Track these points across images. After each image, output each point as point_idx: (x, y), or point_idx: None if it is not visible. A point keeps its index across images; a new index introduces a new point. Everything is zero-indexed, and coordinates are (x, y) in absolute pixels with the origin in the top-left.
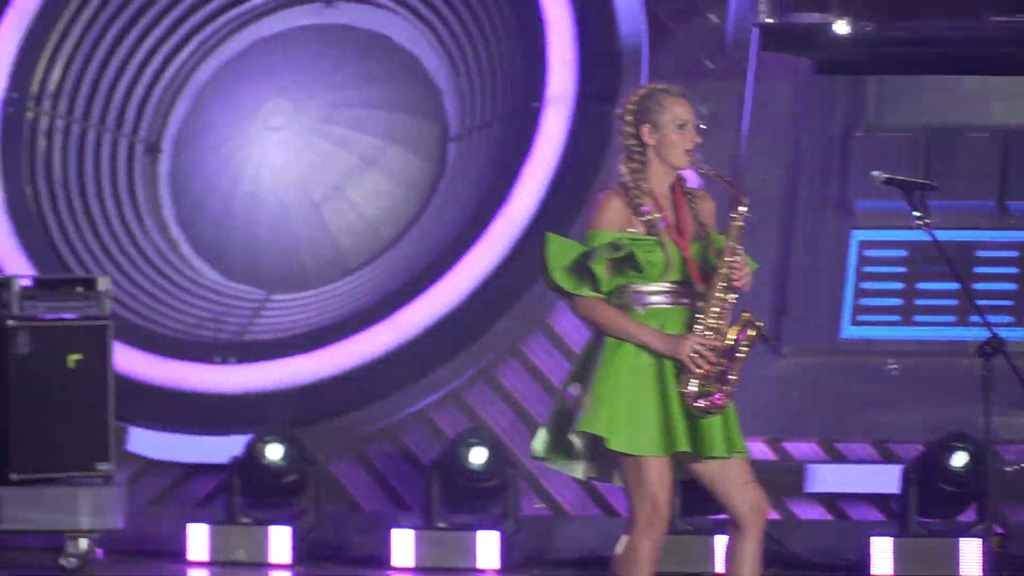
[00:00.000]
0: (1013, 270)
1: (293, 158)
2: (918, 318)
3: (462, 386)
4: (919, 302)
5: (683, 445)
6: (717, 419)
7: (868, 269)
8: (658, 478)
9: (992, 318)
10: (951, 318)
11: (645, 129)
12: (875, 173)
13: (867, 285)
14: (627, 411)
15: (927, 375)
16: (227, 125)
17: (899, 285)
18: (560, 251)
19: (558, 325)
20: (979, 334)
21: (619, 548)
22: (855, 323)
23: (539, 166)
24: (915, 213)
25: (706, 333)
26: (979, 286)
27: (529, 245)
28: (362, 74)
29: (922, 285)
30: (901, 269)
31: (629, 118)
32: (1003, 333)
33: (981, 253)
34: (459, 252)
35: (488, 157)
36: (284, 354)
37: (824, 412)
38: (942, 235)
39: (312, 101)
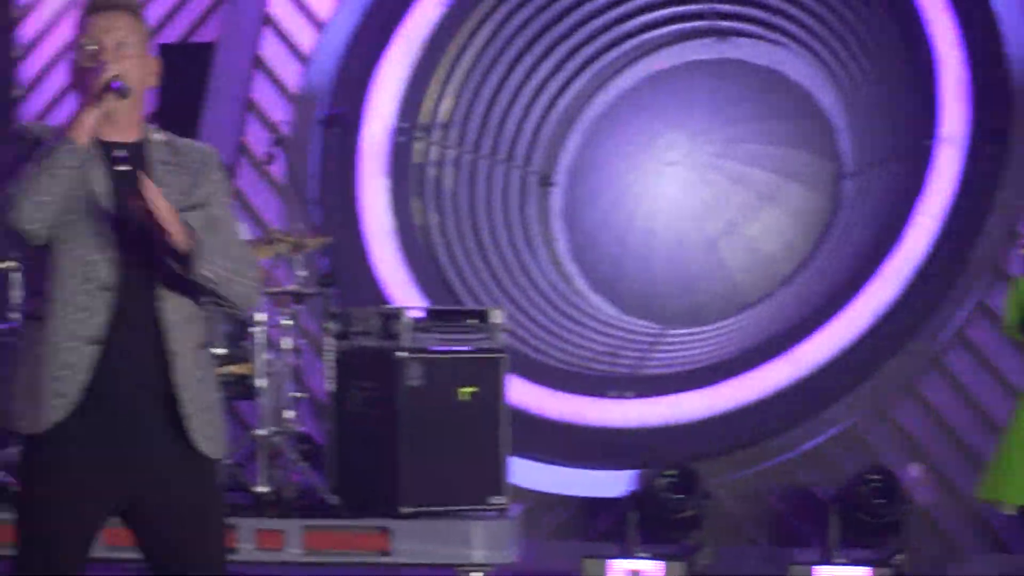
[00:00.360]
0: None
1: (688, 193)
2: None
3: (858, 423)
4: None
5: None
6: None
7: None
8: None
9: None
10: None
11: None
12: None
13: None
14: None
15: None
16: (621, 159)
17: None
18: None
19: (952, 364)
20: None
21: None
22: None
23: (932, 204)
24: None
25: None
26: None
27: (923, 284)
28: (757, 110)
29: None
30: None
31: None
32: None
33: None
34: (854, 289)
35: (882, 195)
36: (680, 389)
37: None
38: None
39: (707, 136)
